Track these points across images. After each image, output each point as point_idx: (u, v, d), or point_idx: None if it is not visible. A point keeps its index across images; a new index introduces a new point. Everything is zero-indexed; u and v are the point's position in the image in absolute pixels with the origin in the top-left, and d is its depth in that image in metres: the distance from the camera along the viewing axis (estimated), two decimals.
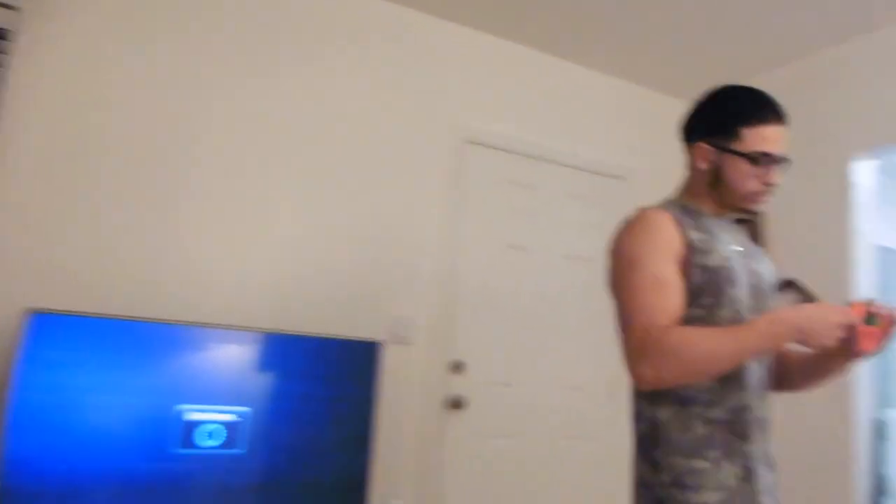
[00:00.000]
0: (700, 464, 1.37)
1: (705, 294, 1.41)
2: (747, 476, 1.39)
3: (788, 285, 3.44)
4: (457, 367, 3.22)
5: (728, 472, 1.37)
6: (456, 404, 3.18)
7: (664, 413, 1.41)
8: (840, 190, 3.23)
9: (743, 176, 1.48)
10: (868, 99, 3.19)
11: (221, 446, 2.44)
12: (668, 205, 1.53)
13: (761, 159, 1.46)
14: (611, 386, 3.64)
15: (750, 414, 1.43)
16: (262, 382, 2.54)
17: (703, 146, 1.52)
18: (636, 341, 1.32)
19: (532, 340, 3.44)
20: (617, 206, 3.77)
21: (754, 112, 1.48)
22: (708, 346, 1.28)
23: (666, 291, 1.36)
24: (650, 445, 1.42)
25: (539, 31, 3.45)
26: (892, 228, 5.08)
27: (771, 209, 3.50)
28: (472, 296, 3.31)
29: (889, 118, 3.10)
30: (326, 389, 2.65)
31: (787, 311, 1.32)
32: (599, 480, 3.55)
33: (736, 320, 1.42)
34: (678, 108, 4.10)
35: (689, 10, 3.14)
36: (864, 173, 3.24)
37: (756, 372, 1.47)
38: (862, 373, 3.07)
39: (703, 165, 1.52)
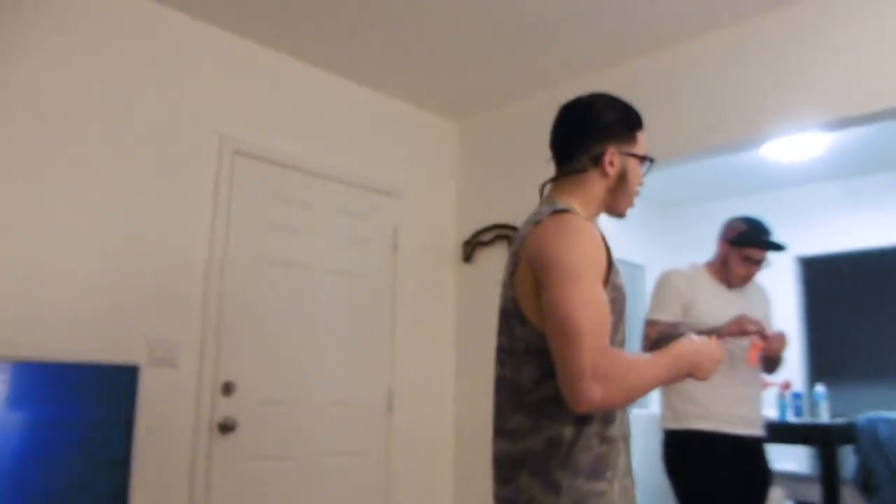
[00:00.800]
0: (600, 485, 1.33)
1: (612, 314, 1.37)
2: (626, 492, 1.40)
3: None
4: (226, 389, 3.05)
5: (619, 491, 1.37)
6: (226, 427, 3.01)
7: (568, 430, 1.34)
8: None
9: (638, 179, 1.56)
10: None
11: None
12: (579, 212, 1.49)
13: (649, 162, 1.58)
14: (387, 400, 3.67)
15: (626, 429, 1.45)
16: None
17: (614, 150, 1.52)
18: (589, 363, 1.23)
19: (305, 358, 3.37)
20: (386, 222, 3.82)
21: (639, 118, 1.58)
22: (642, 375, 1.30)
23: (606, 311, 1.32)
24: (548, 465, 1.34)
25: (313, 46, 3.40)
26: (631, 243, 5.68)
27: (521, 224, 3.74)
28: (240, 314, 3.16)
29: None
30: (76, 419, 2.37)
31: (682, 346, 1.39)
32: (377, 497, 3.55)
33: (623, 343, 1.44)
34: (446, 128, 4.27)
35: (460, 35, 3.27)
36: None
37: None
38: None
39: (612, 170, 1.52)
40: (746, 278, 2.80)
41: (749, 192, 5.60)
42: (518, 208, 3.87)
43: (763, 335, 2.51)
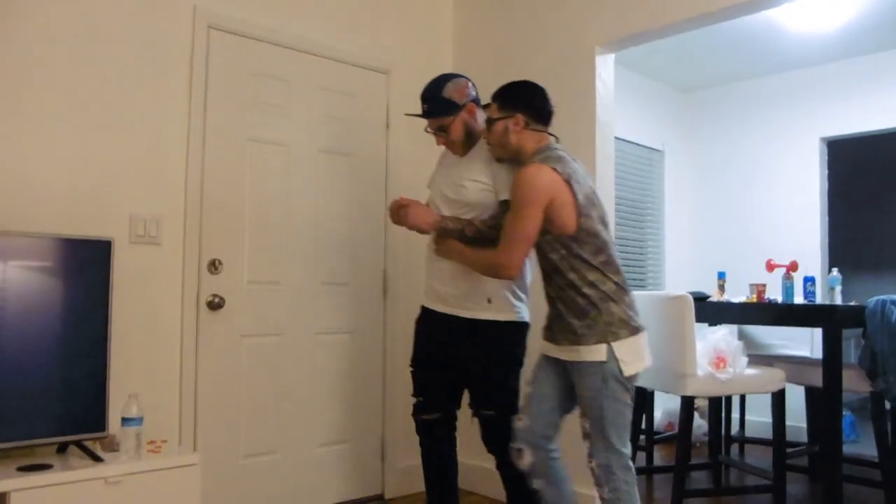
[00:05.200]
0: None
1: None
2: None
3: None
4: (213, 266, 3.05)
5: None
6: (214, 304, 3.03)
7: None
8: (586, 82, 3.34)
9: None
10: None
11: None
12: None
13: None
14: (382, 282, 3.65)
15: None
16: None
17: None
18: None
19: (293, 238, 3.33)
20: (378, 100, 3.69)
21: None
22: None
23: None
24: None
25: None
26: (650, 128, 5.47)
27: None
28: (223, 192, 3.11)
29: (630, 8, 3.23)
30: (48, 293, 2.39)
31: None
32: (371, 374, 3.60)
33: None
34: (442, 1, 4.03)
35: None
36: (607, 66, 3.38)
37: None
38: None
39: None
40: (451, 147, 2.68)
41: (771, 72, 5.30)
42: (518, 78, 3.67)
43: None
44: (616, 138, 3.55)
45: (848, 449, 4.39)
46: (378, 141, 3.68)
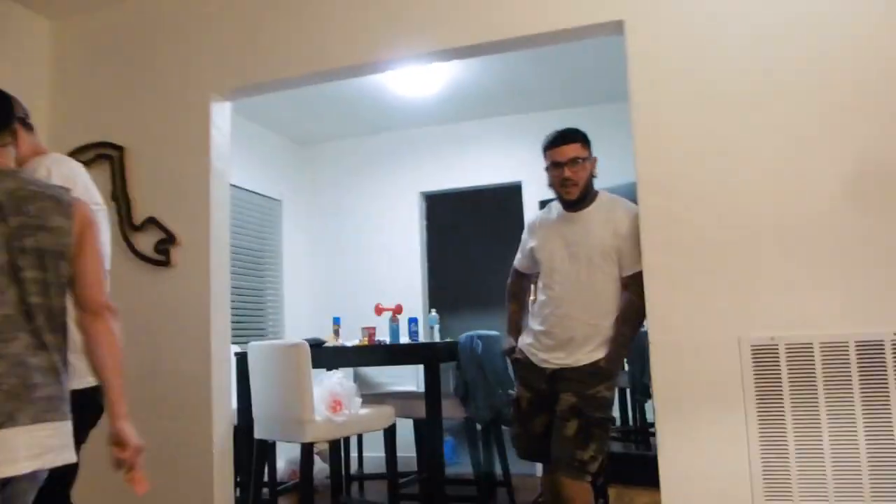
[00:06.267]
0: None
1: None
2: None
3: (150, 222, 3.33)
4: None
5: None
6: None
7: None
8: (201, 129, 3.29)
9: None
10: (227, 42, 3.31)
11: None
12: None
13: None
14: None
15: None
16: None
17: None
18: None
19: None
20: None
21: None
22: None
23: None
24: None
25: None
26: (267, 178, 5.56)
27: (135, 145, 3.40)
28: None
29: (247, 60, 3.28)
30: None
31: None
32: None
33: None
34: (35, 24, 3.61)
35: None
36: (222, 114, 3.36)
37: None
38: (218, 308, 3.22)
39: None
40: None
41: (380, 131, 5.80)
42: (125, 123, 3.46)
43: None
44: (234, 186, 3.53)
45: (451, 471, 4.89)
46: None
